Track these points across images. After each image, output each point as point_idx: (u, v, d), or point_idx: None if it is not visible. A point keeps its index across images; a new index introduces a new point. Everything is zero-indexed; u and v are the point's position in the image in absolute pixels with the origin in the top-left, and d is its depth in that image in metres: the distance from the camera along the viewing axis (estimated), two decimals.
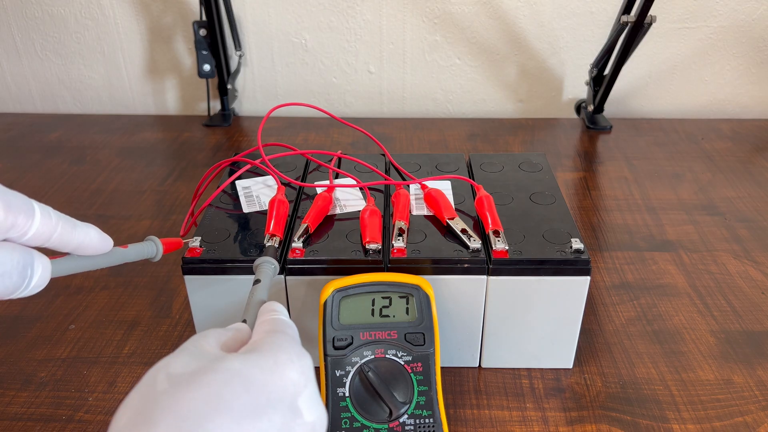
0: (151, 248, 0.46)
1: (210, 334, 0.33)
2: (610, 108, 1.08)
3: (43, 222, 0.34)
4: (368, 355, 0.46)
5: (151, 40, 1.08)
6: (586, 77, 1.04)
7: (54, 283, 0.68)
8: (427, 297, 0.48)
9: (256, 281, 0.43)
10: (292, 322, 0.36)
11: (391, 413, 0.44)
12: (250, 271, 0.50)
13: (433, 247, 0.51)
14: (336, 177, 0.62)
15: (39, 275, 0.35)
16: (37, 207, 0.35)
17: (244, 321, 0.38)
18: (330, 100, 1.12)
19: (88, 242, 0.38)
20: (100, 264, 0.41)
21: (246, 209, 0.57)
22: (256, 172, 0.63)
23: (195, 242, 0.52)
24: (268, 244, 0.51)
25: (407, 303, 0.48)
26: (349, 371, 0.46)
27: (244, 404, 0.27)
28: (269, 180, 0.61)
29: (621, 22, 0.89)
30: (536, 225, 0.54)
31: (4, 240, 0.34)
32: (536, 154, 0.66)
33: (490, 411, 0.51)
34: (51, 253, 0.37)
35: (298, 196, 0.59)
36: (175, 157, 0.95)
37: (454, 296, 0.51)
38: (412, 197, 0.58)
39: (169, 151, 0.97)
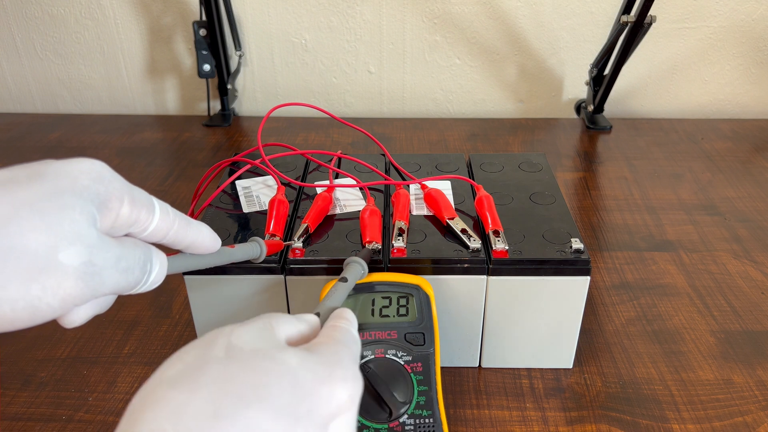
0: (256, 249, 0.46)
1: (285, 321, 0.33)
2: (610, 108, 1.08)
3: (162, 218, 0.34)
4: (368, 355, 0.46)
5: (151, 40, 1.08)
6: (586, 77, 1.04)
7: None
8: (427, 297, 0.48)
9: (343, 279, 0.43)
10: (359, 338, 0.36)
11: (391, 413, 0.44)
12: (249, 271, 0.51)
13: (433, 247, 0.51)
14: (336, 177, 0.62)
15: (157, 271, 0.34)
16: (157, 203, 0.34)
17: (317, 314, 0.37)
18: (330, 100, 1.12)
19: (201, 240, 0.38)
20: (210, 263, 0.41)
21: (246, 209, 0.57)
22: (256, 172, 0.63)
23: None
24: (370, 246, 0.50)
25: (407, 303, 0.48)
26: None
27: (286, 403, 0.27)
28: (269, 180, 0.61)
29: (621, 22, 0.89)
30: (536, 225, 0.54)
31: (126, 235, 0.33)
32: (536, 154, 0.66)
33: (490, 411, 0.51)
34: (165, 251, 0.37)
35: (298, 196, 0.59)
36: (175, 157, 0.95)
37: (454, 296, 0.51)
38: (412, 197, 0.58)
39: (169, 151, 0.97)
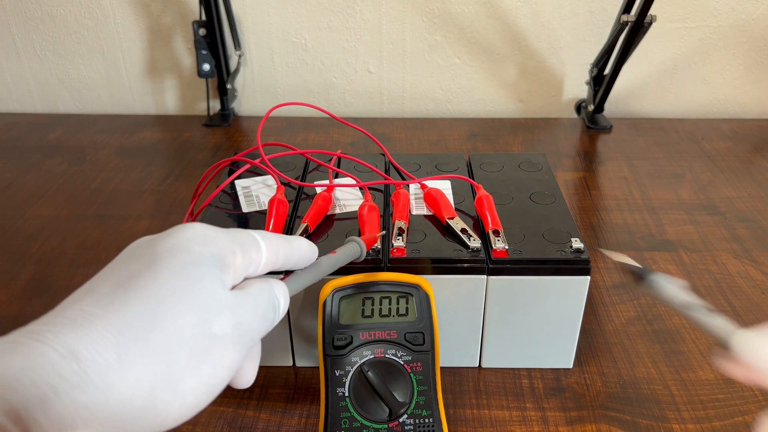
0: (356, 249, 0.45)
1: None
2: (610, 108, 1.08)
3: (269, 249, 0.34)
4: (368, 355, 0.46)
5: (151, 40, 1.08)
6: (586, 77, 1.04)
7: (53, 283, 0.68)
8: (426, 297, 0.48)
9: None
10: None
11: (390, 413, 0.44)
12: None
13: (433, 247, 0.51)
14: (336, 177, 0.62)
15: (284, 302, 0.35)
16: (258, 236, 0.34)
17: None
18: (330, 100, 1.12)
19: (302, 253, 0.38)
20: (320, 274, 0.40)
21: (245, 209, 0.57)
22: (255, 172, 0.63)
23: None
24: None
25: (407, 303, 0.48)
26: (349, 371, 0.46)
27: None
28: (269, 180, 0.61)
29: (621, 21, 0.89)
30: (536, 225, 0.54)
31: (245, 279, 0.33)
32: (536, 154, 0.66)
33: (490, 411, 0.51)
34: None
35: (297, 196, 0.59)
36: (174, 157, 0.95)
37: (454, 296, 0.51)
38: (411, 197, 0.58)
39: (169, 151, 0.97)
